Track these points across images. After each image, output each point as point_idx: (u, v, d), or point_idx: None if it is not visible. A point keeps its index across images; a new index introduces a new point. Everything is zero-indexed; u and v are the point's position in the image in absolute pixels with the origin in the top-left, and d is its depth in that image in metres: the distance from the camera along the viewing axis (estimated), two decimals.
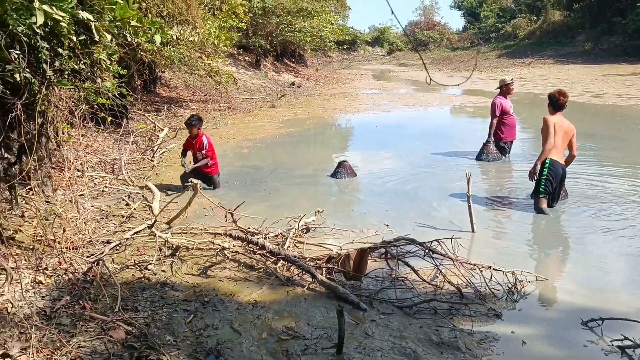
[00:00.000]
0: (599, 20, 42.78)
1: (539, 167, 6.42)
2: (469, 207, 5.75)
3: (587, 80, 25.03)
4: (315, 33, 27.63)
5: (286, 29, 26.61)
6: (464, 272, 4.43)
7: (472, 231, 5.74)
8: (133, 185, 7.57)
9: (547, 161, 6.38)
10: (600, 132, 11.96)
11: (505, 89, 9.55)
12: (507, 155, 9.50)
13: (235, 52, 22.33)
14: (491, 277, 4.38)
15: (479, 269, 4.45)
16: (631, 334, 3.56)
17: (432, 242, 4.64)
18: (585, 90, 21.03)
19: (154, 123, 12.00)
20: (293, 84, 26.31)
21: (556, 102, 6.58)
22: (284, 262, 4.70)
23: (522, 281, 4.41)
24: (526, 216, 6.44)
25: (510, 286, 4.34)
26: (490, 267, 4.47)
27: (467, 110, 17.33)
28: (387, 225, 6.01)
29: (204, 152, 7.64)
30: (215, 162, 7.84)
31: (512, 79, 9.71)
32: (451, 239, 4.65)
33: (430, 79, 2.20)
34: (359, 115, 16.52)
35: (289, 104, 19.30)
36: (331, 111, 17.42)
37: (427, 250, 4.60)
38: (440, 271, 4.46)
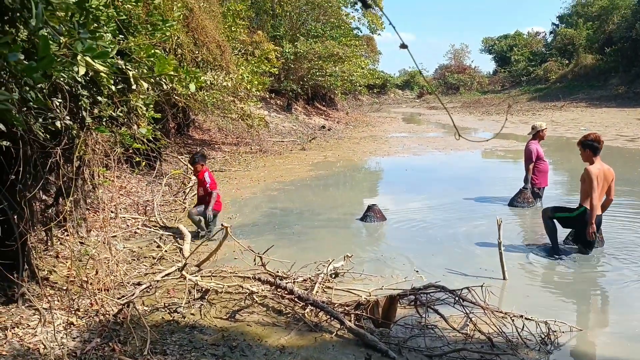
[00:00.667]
0: (632, 63, 42.54)
1: (594, 227, 6.29)
2: (500, 253, 5.67)
3: (621, 124, 24.75)
4: (345, 77, 28.05)
5: (317, 73, 27.10)
6: (495, 321, 4.35)
7: (504, 279, 5.64)
8: (164, 227, 7.67)
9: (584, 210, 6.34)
10: (636, 177, 11.74)
11: (541, 134, 9.46)
12: (539, 201, 9.36)
13: (267, 96, 22.76)
14: (523, 327, 4.29)
15: (511, 317, 4.36)
16: None
17: (462, 289, 4.58)
18: (619, 134, 20.76)
19: (187, 165, 12.21)
20: (323, 127, 26.59)
21: (597, 148, 6.43)
22: (312, 308, 4.68)
23: (555, 331, 4.30)
24: (559, 264, 6.31)
25: (543, 336, 4.23)
26: (522, 316, 4.38)
27: (498, 154, 17.23)
28: (417, 271, 5.95)
29: (207, 186, 7.63)
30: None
31: (545, 125, 9.64)
32: (482, 286, 4.58)
33: (460, 135, 2.22)
34: (388, 158, 16.56)
35: (319, 146, 19.46)
36: (361, 154, 17.51)
37: (457, 298, 4.53)
38: (471, 319, 4.38)
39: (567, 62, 54.30)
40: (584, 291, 5.61)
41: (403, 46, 1.87)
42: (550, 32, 66.52)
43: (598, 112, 33.15)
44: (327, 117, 32.30)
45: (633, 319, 4.77)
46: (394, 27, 1.81)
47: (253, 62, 16.42)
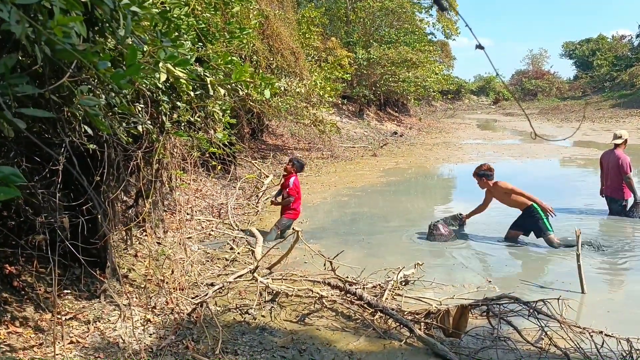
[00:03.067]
0: None
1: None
2: (579, 266, 5.45)
3: None
4: (419, 83, 27.74)
5: (390, 79, 26.94)
6: (572, 336, 4.17)
7: (582, 292, 5.42)
8: (238, 230, 7.86)
9: None
10: None
11: (624, 144, 9.03)
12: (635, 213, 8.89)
13: (339, 102, 22.85)
14: (603, 344, 4.09)
15: (589, 333, 4.18)
16: None
17: (537, 301, 4.43)
18: None
19: (260, 170, 12.46)
20: (395, 132, 26.41)
21: (491, 175, 7.72)
22: (381, 314, 4.66)
23: (638, 350, 4.08)
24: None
25: (624, 355, 4.03)
26: (601, 332, 4.18)
27: (577, 162, 16.56)
28: (490, 281, 5.81)
29: (287, 190, 7.83)
30: (294, 207, 7.90)
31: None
32: (558, 299, 4.42)
33: (535, 134, 2.16)
34: (462, 165, 16.25)
35: (390, 152, 19.35)
36: (433, 161, 17.28)
37: (531, 310, 4.39)
38: (546, 333, 4.22)
39: None
40: None
41: (479, 47, 1.85)
42: (637, 36, 63.28)
43: None
44: (400, 123, 32.07)
45: None
46: (470, 29, 1.79)
47: (326, 68, 16.55)
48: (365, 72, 26.24)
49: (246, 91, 4.98)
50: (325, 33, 24.14)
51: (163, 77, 3.04)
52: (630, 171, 8.76)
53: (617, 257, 6.75)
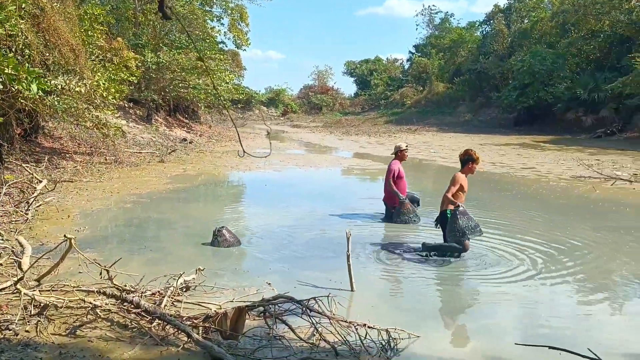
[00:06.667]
0: (477, 94, 46.68)
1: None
2: (349, 265, 5.90)
3: (466, 147, 26.76)
4: (209, 90, 27.75)
5: (180, 84, 26.60)
6: (340, 330, 4.51)
7: (352, 290, 5.87)
8: (1, 239, 7.09)
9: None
10: (484, 196, 12.76)
11: (400, 154, 9.99)
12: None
13: (126, 105, 21.90)
14: (366, 335, 4.47)
15: (355, 327, 4.54)
16: None
17: (309, 300, 4.71)
18: None
19: (32, 174, 11.38)
20: (185, 139, 26.05)
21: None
22: (159, 322, 4.56)
23: (395, 339, 4.54)
24: (409, 275, 6.67)
25: (383, 343, 4.45)
26: (365, 325, 4.57)
27: (355, 172, 17.96)
28: (269, 283, 6.01)
29: None
30: None
31: (406, 146, 10.21)
32: (327, 297, 4.74)
33: (244, 152, 2.36)
34: (249, 173, 16.62)
35: (179, 159, 19.06)
36: (222, 168, 17.40)
37: (304, 309, 4.65)
38: (317, 329, 4.50)
39: (421, 88, 58.09)
40: (429, 299, 5.95)
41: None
42: (407, 60, 70.74)
43: (447, 136, 35.73)
44: (190, 129, 31.75)
45: (469, 323, 5.20)
46: (189, 36, 1.87)
47: (111, 69, 15.75)
48: (154, 76, 25.56)
49: (12, 85, 4.55)
50: (112, 33, 22.99)
51: None
52: (393, 179, 9.71)
53: (389, 259, 7.38)
